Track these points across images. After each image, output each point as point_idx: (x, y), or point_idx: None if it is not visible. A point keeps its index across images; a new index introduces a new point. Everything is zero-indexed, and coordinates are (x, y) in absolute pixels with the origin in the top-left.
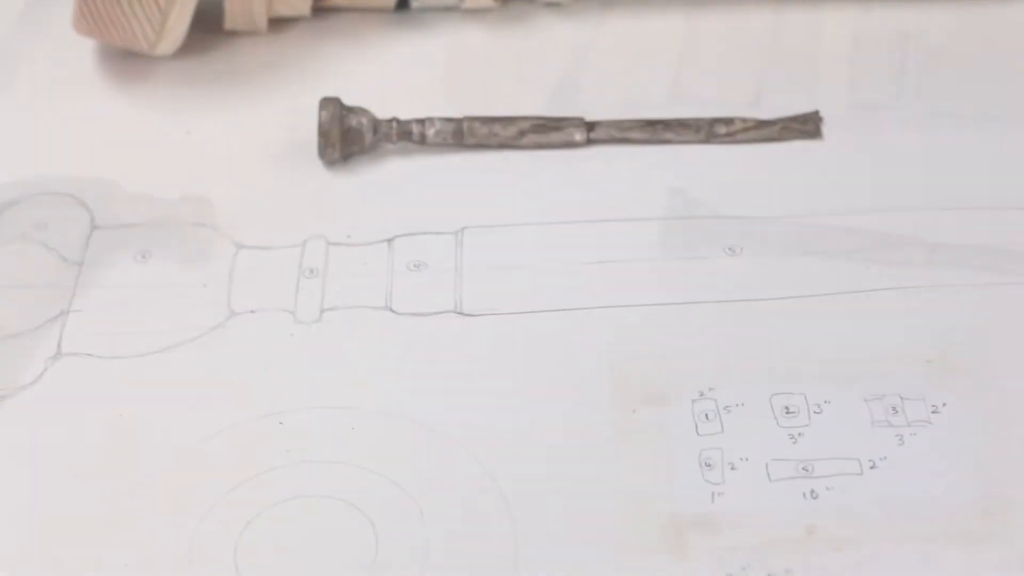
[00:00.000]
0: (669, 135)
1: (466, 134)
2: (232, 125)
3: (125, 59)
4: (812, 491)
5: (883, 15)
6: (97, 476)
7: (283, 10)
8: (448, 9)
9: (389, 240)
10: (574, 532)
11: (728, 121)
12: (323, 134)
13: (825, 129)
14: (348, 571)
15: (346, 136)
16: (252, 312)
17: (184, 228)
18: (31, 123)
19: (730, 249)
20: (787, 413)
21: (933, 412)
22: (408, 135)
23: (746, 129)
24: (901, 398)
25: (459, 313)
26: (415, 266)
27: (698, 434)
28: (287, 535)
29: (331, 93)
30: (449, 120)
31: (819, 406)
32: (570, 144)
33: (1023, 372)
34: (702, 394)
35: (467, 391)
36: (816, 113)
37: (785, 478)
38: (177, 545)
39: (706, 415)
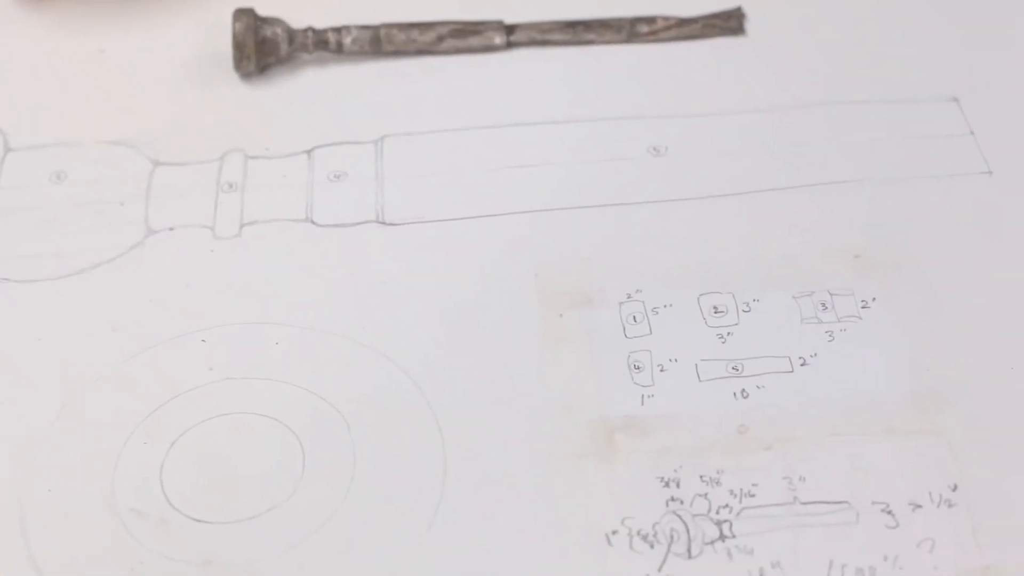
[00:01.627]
0: (590, 36)
1: (383, 41)
2: (146, 41)
3: None
4: (743, 391)
5: None
6: (19, 402)
7: None
8: None
9: (308, 151)
10: (503, 440)
11: (650, 20)
12: (238, 46)
13: (748, 25)
14: (276, 486)
15: (261, 47)
16: (171, 229)
17: (99, 147)
18: None
19: (654, 149)
20: (715, 313)
21: (863, 307)
22: (324, 44)
23: (668, 28)
24: (830, 294)
25: (381, 223)
26: (335, 177)
27: (626, 336)
28: (213, 454)
29: (245, 4)
30: (366, 28)
31: (748, 305)
32: (490, 48)
33: (950, 265)
34: (629, 296)
35: (391, 302)
36: (739, 9)
37: (715, 378)
38: (103, 467)
39: (634, 317)
